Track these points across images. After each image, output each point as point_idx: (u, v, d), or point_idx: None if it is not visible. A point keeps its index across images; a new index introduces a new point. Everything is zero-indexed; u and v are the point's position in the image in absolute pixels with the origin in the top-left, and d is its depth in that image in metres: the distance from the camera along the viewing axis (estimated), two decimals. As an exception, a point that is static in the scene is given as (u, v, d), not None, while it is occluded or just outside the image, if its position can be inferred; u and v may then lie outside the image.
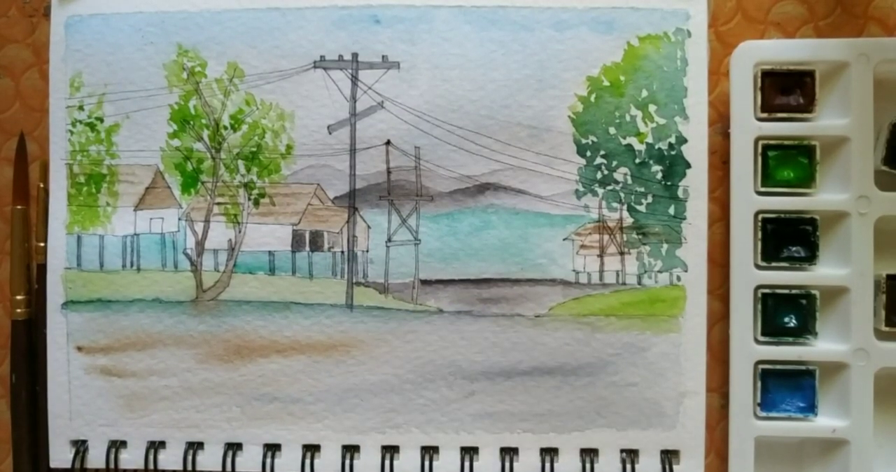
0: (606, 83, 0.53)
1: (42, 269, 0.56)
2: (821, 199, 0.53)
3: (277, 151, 0.54)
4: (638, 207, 0.53)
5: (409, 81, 0.53)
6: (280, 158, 0.54)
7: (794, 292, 0.53)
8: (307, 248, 0.54)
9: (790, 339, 0.53)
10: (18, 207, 0.56)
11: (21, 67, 0.58)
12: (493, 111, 0.53)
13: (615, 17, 0.53)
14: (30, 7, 0.58)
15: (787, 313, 0.53)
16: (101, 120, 0.54)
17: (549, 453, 0.53)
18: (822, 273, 0.54)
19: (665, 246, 0.53)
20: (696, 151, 0.53)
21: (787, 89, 0.53)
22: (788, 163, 0.53)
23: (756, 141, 0.53)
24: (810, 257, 0.53)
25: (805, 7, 0.56)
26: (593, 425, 0.53)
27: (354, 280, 0.53)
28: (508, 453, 0.53)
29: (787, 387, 0.53)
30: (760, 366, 0.53)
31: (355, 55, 0.53)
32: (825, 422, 0.53)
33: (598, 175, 0.53)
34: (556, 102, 0.53)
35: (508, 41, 0.53)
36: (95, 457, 0.55)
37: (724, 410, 0.54)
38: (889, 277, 0.52)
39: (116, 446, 0.55)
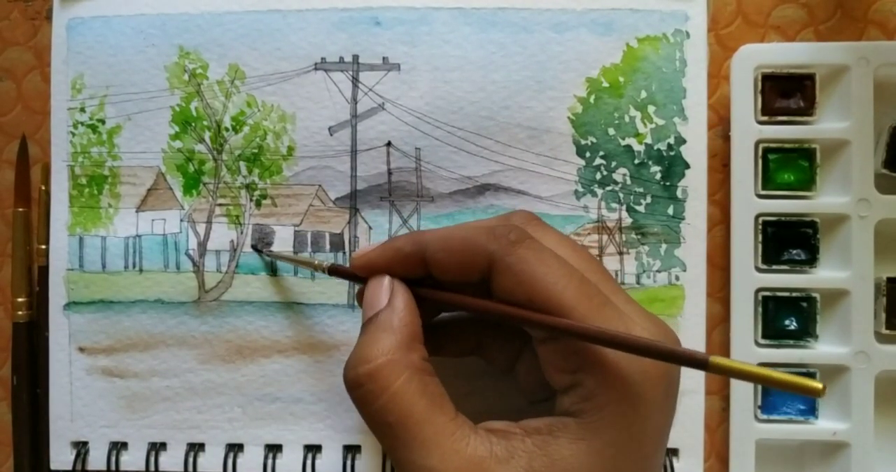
0: (605, 84, 0.53)
1: (43, 271, 0.56)
2: (821, 202, 0.53)
3: (279, 152, 0.54)
4: (637, 208, 0.53)
5: (410, 83, 0.53)
6: (281, 160, 0.54)
7: (794, 294, 0.53)
8: (309, 248, 0.54)
9: (791, 341, 0.53)
10: (20, 209, 0.57)
11: (23, 70, 0.58)
12: (493, 112, 0.53)
13: (614, 18, 0.53)
14: (31, 10, 0.58)
15: (787, 316, 0.53)
16: (103, 122, 0.55)
17: (549, 453, 0.53)
18: (823, 276, 0.54)
19: (664, 246, 0.53)
20: (695, 152, 0.53)
21: (787, 93, 0.54)
22: (789, 166, 0.53)
23: (756, 144, 0.53)
24: (811, 260, 0.53)
25: (805, 11, 0.56)
26: (593, 424, 0.53)
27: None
28: (509, 453, 0.53)
29: (788, 390, 0.53)
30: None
31: (356, 57, 0.53)
32: (826, 425, 0.53)
33: (598, 176, 0.53)
34: (556, 104, 0.53)
35: (508, 43, 0.53)
36: (96, 459, 0.55)
37: (725, 412, 0.54)
38: (889, 279, 0.52)
39: (117, 447, 0.55)
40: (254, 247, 0.54)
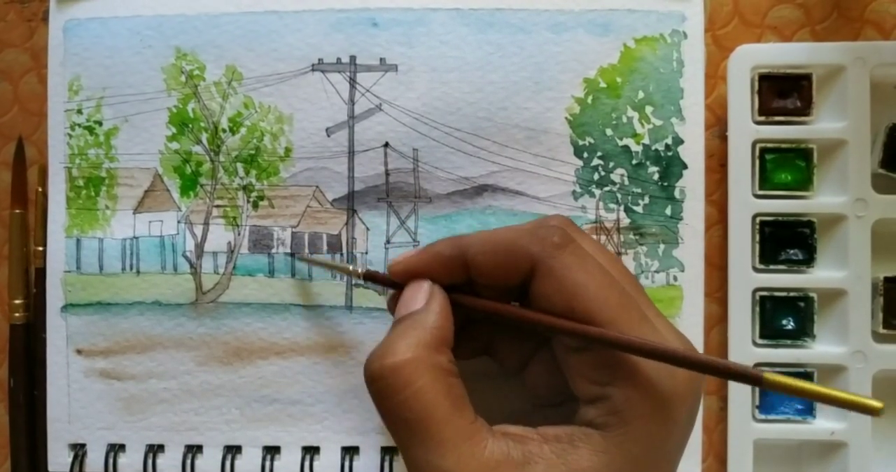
0: (603, 85, 0.53)
1: (41, 273, 0.56)
2: (818, 202, 0.53)
3: (276, 153, 0.54)
4: (635, 208, 0.53)
5: (407, 84, 0.53)
6: (279, 161, 0.54)
7: (792, 294, 0.53)
8: (306, 250, 0.54)
9: (788, 341, 0.53)
10: (17, 211, 0.57)
11: (19, 72, 0.58)
12: (491, 113, 0.53)
13: (611, 19, 0.53)
14: (28, 11, 0.58)
15: (785, 316, 0.53)
16: (100, 123, 0.55)
17: (548, 453, 0.53)
18: (820, 276, 0.54)
19: (662, 247, 0.53)
20: (693, 152, 0.53)
21: (784, 93, 0.54)
22: (786, 166, 0.53)
23: (753, 144, 0.53)
24: (808, 260, 0.53)
25: (802, 11, 0.56)
26: (592, 425, 0.53)
27: (354, 282, 0.53)
28: (507, 454, 0.53)
29: (786, 389, 0.53)
30: (759, 369, 0.53)
31: (353, 58, 0.53)
32: (823, 425, 0.53)
33: (595, 176, 0.53)
34: (554, 104, 0.53)
35: (506, 43, 0.53)
36: (94, 461, 0.55)
37: (723, 413, 0.55)
38: (887, 279, 0.52)
39: (115, 449, 0.55)
40: (289, 254, 0.54)
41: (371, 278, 0.48)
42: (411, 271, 0.45)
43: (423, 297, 0.43)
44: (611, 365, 0.39)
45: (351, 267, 0.49)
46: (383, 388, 0.40)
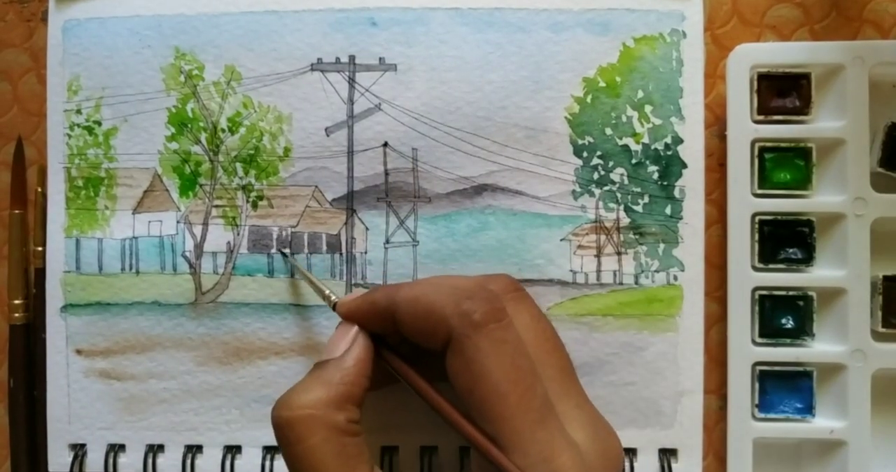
0: (602, 84, 0.53)
1: (40, 273, 0.56)
2: (817, 201, 0.53)
3: (275, 153, 0.54)
4: (634, 208, 0.53)
5: (407, 83, 0.53)
6: (278, 161, 0.54)
7: (791, 293, 0.53)
8: (305, 250, 0.54)
9: (788, 340, 0.53)
10: (16, 211, 0.57)
11: (19, 72, 0.58)
12: (490, 113, 0.53)
13: (611, 18, 0.53)
14: (27, 11, 0.58)
15: (784, 315, 0.53)
16: (99, 123, 0.55)
17: (548, 453, 0.53)
18: (819, 275, 0.54)
19: (662, 246, 0.53)
20: (692, 152, 0.53)
21: (783, 92, 0.54)
22: (785, 165, 0.53)
23: (752, 143, 0.53)
24: (807, 259, 0.53)
25: (800, 10, 0.56)
26: (591, 424, 0.53)
27: (353, 282, 0.53)
28: (507, 454, 0.53)
29: (785, 388, 0.53)
30: (758, 367, 0.53)
31: (352, 58, 0.53)
32: (823, 423, 0.53)
33: (595, 176, 0.53)
34: (553, 104, 0.53)
35: (505, 43, 0.53)
36: (94, 461, 0.55)
37: (722, 412, 0.55)
38: (885, 278, 0.52)
39: (115, 449, 0.55)
40: (281, 252, 0.54)
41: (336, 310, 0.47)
42: (352, 314, 0.45)
43: (344, 345, 0.44)
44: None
45: (327, 291, 0.49)
46: (280, 437, 0.41)
